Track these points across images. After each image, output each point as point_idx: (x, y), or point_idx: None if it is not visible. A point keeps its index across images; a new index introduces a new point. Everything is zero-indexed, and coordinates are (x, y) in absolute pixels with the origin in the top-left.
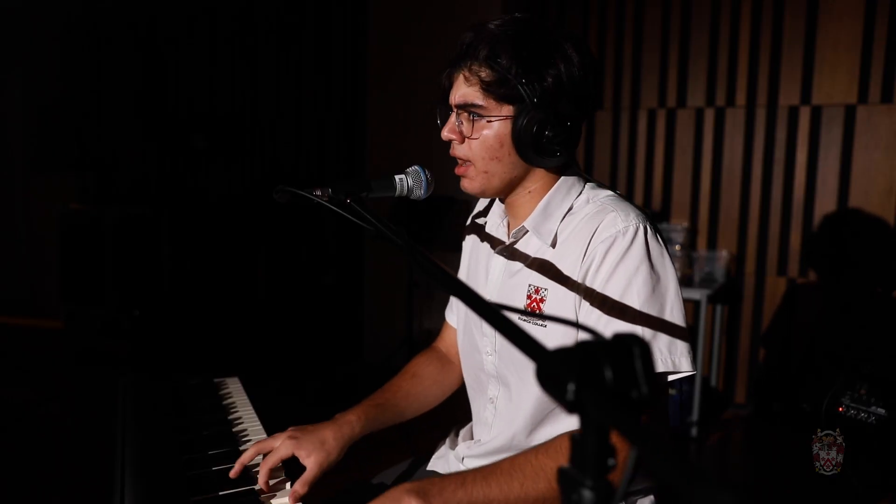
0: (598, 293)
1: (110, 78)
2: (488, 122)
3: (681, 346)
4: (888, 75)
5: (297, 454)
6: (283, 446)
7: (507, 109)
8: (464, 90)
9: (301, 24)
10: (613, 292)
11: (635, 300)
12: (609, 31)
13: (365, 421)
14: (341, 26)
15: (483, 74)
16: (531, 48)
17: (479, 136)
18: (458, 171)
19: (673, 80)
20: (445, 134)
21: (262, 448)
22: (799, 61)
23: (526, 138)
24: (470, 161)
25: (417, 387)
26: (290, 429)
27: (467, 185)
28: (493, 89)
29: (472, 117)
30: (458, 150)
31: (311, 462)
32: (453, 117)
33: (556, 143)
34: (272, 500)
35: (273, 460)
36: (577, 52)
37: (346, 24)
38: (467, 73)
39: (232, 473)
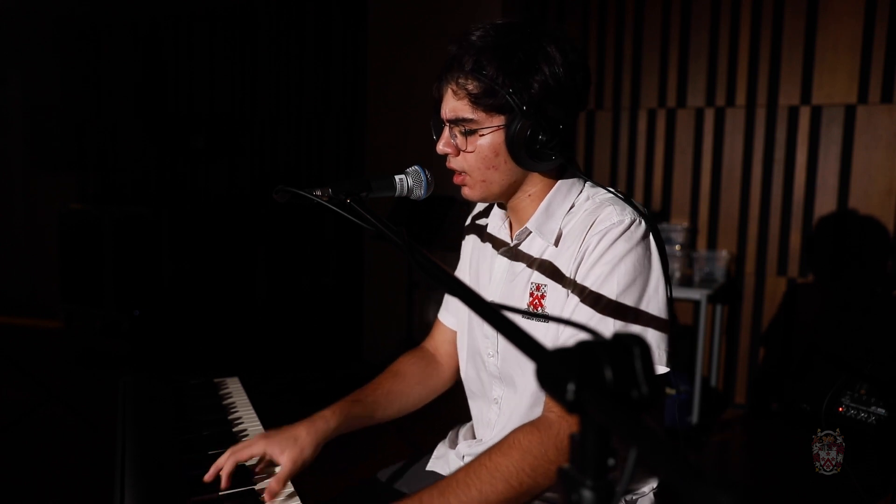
0: (579, 283)
1: (110, 78)
2: (481, 134)
3: (650, 340)
4: (888, 75)
5: (269, 452)
6: (255, 445)
7: (499, 119)
8: (453, 104)
9: (301, 25)
10: (594, 281)
11: (613, 289)
12: (609, 31)
13: (341, 418)
14: (341, 26)
15: (470, 87)
16: (515, 56)
17: (474, 148)
18: (456, 180)
19: (673, 80)
20: (441, 148)
21: (237, 452)
22: (799, 61)
23: (519, 146)
24: (466, 172)
25: (399, 385)
26: (264, 432)
27: (468, 192)
28: (482, 101)
29: (464, 131)
30: (454, 163)
31: (285, 459)
32: (447, 131)
33: (549, 148)
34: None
35: (243, 454)
36: (559, 51)
37: (345, 24)
38: (454, 87)
39: (206, 477)
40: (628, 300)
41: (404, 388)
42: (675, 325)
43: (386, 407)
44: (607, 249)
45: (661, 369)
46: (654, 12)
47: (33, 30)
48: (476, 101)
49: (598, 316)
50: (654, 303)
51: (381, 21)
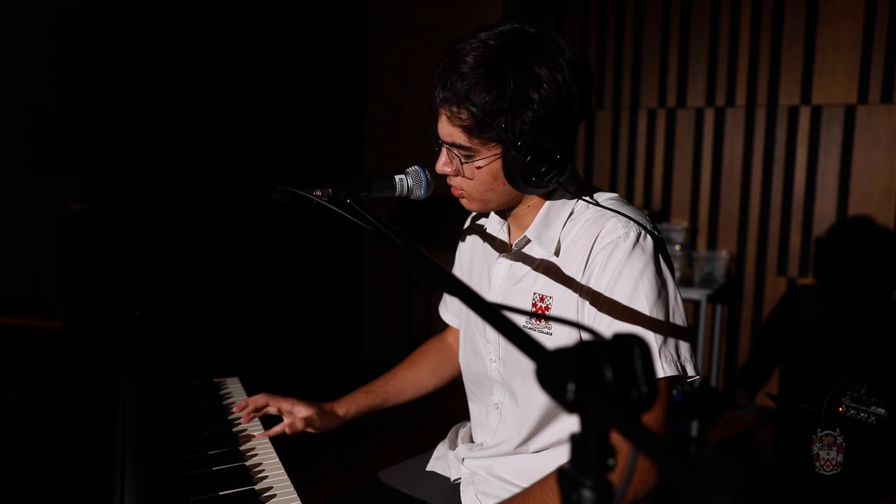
0: (606, 298)
1: (110, 78)
2: (477, 166)
3: (685, 351)
4: (888, 75)
5: (309, 415)
6: (296, 405)
7: (495, 147)
8: (448, 129)
9: (301, 25)
10: (621, 298)
11: (644, 305)
12: (609, 31)
13: (354, 409)
14: (341, 26)
15: (463, 116)
16: (505, 86)
17: (472, 173)
18: (454, 192)
19: (673, 80)
20: (440, 168)
21: (275, 399)
22: (799, 61)
23: (516, 176)
24: (465, 190)
25: (413, 377)
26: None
27: (466, 205)
28: (476, 133)
29: (461, 156)
30: (454, 182)
31: (304, 408)
32: (444, 152)
33: (546, 177)
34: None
35: (280, 405)
36: (551, 70)
37: (346, 24)
38: (448, 114)
39: (236, 408)
40: (659, 315)
41: (417, 379)
42: None
43: (398, 396)
44: (624, 266)
45: (695, 376)
46: (654, 12)
47: (33, 30)
48: (470, 132)
49: (639, 329)
50: (679, 313)
51: (381, 21)
